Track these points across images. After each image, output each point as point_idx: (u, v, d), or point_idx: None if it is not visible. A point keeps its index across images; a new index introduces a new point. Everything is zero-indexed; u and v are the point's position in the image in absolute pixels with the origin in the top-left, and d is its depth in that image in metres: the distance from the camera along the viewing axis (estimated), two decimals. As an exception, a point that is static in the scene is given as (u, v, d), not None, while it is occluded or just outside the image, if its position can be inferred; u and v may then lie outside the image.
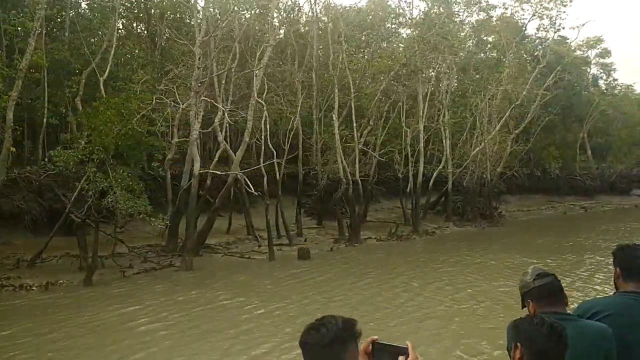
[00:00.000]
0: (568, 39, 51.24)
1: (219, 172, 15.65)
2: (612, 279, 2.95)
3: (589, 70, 49.69)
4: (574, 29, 45.05)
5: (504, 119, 25.87)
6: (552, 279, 2.64)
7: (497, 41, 33.82)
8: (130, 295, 11.69)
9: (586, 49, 49.68)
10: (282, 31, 26.67)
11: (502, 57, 30.44)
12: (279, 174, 19.32)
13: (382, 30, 24.97)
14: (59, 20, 20.25)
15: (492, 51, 38.02)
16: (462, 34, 30.82)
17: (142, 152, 16.15)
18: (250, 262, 16.04)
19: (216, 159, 16.88)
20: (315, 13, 23.52)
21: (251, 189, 14.41)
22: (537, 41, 43.69)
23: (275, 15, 25.80)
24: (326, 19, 26.13)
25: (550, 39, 43.45)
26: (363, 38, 25.39)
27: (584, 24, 37.44)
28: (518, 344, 2.17)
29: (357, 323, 1.84)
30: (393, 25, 28.98)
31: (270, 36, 16.38)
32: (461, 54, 32.79)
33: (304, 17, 27.68)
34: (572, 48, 49.29)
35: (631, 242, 3.01)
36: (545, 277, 2.64)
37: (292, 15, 27.28)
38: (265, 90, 18.85)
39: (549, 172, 41.65)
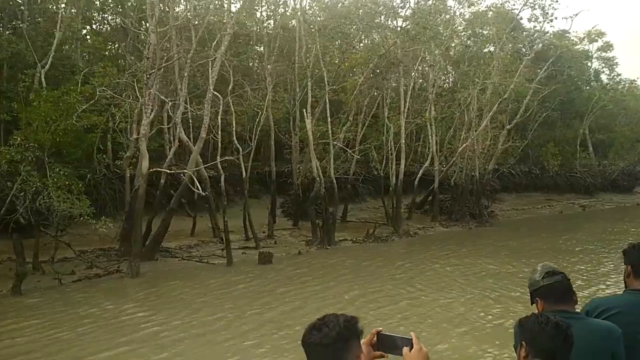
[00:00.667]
0: (569, 32, 49.87)
1: (168, 171, 14.46)
2: (622, 278, 2.99)
3: (590, 64, 48.09)
4: (567, 19, 43.21)
5: (490, 113, 24.45)
6: (561, 278, 2.62)
7: (491, 34, 32.41)
8: (39, 307, 10.58)
9: (587, 43, 48.14)
10: (270, 24, 25.69)
11: (497, 50, 28.99)
12: (245, 172, 18.09)
13: (374, 24, 23.59)
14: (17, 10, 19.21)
15: (487, 45, 36.65)
16: (455, 27, 29.47)
17: (84, 149, 14.98)
18: (206, 267, 14.85)
19: (170, 155, 15.67)
20: (300, 5, 22.29)
21: (199, 189, 13.19)
22: (536, 35, 42.30)
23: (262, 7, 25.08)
24: (311, 12, 24.95)
25: (549, 32, 42.10)
26: (352, 31, 24.07)
27: (577, 14, 35.84)
28: (523, 342, 2.19)
29: (359, 321, 1.82)
30: (384, 19, 27.75)
31: (227, 24, 15.14)
32: (453, 46, 31.54)
33: (290, 9, 26.52)
34: (573, 41, 47.81)
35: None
36: (554, 275, 2.63)
37: (278, 9, 26.18)
38: (231, 83, 17.67)
39: (547, 169, 40.19)
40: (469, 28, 34.04)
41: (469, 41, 32.91)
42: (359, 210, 26.17)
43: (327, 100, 19.42)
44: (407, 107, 21.97)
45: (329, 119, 19.42)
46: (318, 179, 18.63)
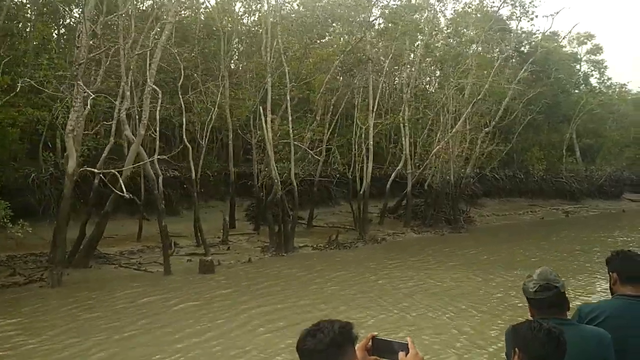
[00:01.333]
0: (558, 35, 48.83)
1: (97, 171, 13.18)
2: (608, 285, 3.02)
3: (579, 67, 47.02)
4: (547, 17, 41.98)
5: (464, 115, 23.24)
6: (553, 294, 2.58)
7: (473, 34, 31.24)
8: None
9: (576, 45, 47.09)
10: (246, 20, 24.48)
11: (476, 48, 27.82)
12: (195, 173, 16.82)
13: (337, 15, 22.40)
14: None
15: (471, 45, 35.49)
16: (436, 25, 28.30)
17: (6, 146, 13.71)
18: (141, 276, 13.56)
19: (105, 154, 14.40)
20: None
21: (123, 191, 11.91)
22: (523, 35, 41.20)
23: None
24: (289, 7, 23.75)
25: (536, 34, 41.02)
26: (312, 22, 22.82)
27: (558, 12, 34.67)
28: (516, 348, 2.20)
29: (354, 327, 1.82)
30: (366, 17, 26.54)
31: (169, 12, 13.90)
32: (438, 46, 30.36)
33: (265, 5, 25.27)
34: (561, 44, 46.73)
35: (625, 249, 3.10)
36: (547, 290, 2.59)
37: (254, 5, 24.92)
38: (182, 77, 16.44)
39: (532, 174, 39.06)
40: (451, 27, 32.97)
41: (451, 40, 31.78)
42: (331, 214, 24.95)
43: (289, 98, 18.19)
44: (375, 106, 20.74)
45: (290, 118, 18.19)
46: (275, 181, 17.40)
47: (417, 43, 25.05)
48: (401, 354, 1.86)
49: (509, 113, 36.41)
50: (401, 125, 23.51)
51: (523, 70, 26.91)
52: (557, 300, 2.59)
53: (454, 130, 22.98)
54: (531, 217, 31.61)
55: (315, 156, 18.55)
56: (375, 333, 1.95)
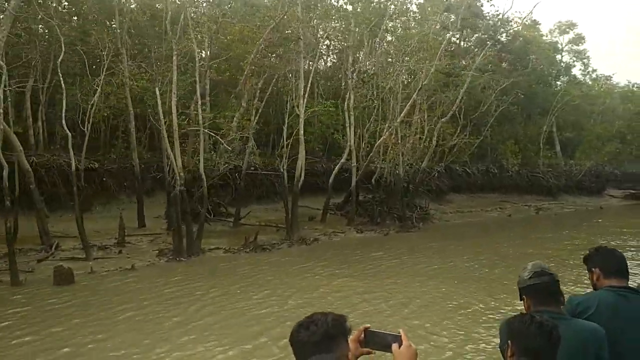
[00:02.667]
0: (540, 23, 46.36)
1: None
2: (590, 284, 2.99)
3: (560, 57, 44.52)
4: None
5: (410, 101, 20.77)
6: (549, 279, 2.57)
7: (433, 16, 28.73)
8: None
9: (558, 35, 44.60)
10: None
11: (426, 30, 25.32)
12: (74, 164, 14.35)
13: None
14: None
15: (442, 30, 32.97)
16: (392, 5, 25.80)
17: None
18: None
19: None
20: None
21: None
22: (500, 23, 38.70)
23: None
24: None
25: (513, 21, 38.56)
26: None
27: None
28: (509, 342, 2.18)
29: (347, 319, 1.82)
30: None
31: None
32: (400, 30, 27.88)
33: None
34: (541, 33, 44.27)
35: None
36: (541, 276, 2.58)
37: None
38: (62, 54, 14.00)
39: (506, 168, 36.63)
40: (420, 11, 30.60)
41: (414, 24, 29.33)
42: (273, 211, 22.56)
43: (198, 80, 15.75)
44: (306, 92, 18.27)
45: (199, 102, 15.77)
46: (178, 174, 14.99)
47: (382, 27, 22.56)
48: (394, 346, 1.84)
49: (482, 104, 34.10)
50: (345, 113, 21.10)
51: (480, 56, 24.30)
52: (552, 287, 2.56)
53: (398, 119, 20.53)
54: (499, 214, 29.22)
55: (227, 146, 16.04)
56: (368, 325, 1.92)
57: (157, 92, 14.56)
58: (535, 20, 46.51)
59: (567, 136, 43.78)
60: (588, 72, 51.03)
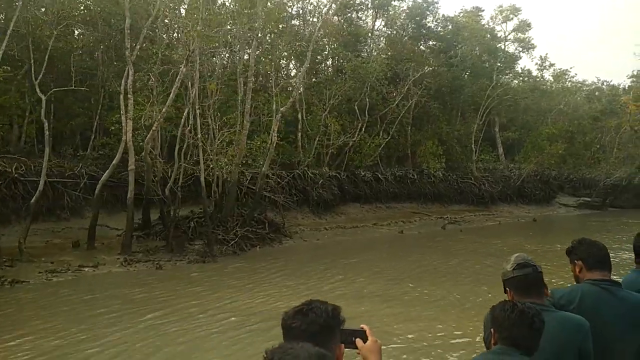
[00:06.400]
0: (483, 10, 40.30)
1: None
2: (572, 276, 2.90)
3: (503, 47, 38.42)
4: None
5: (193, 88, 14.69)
6: (531, 271, 2.50)
7: None
8: None
9: (501, 21, 38.53)
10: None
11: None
12: None
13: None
14: None
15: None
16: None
17: None
18: None
19: None
20: None
21: None
22: (425, 5, 32.70)
23: None
24: None
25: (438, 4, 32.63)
26: None
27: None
28: (491, 330, 2.19)
29: (342, 310, 1.72)
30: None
31: None
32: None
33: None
34: (481, 20, 38.26)
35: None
36: (524, 267, 2.51)
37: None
38: None
39: (429, 174, 30.51)
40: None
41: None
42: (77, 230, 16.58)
43: None
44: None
45: None
46: None
47: None
48: (359, 341, 1.77)
49: (395, 99, 28.14)
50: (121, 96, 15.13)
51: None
52: (535, 279, 2.50)
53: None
54: (389, 230, 23.07)
55: None
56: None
57: None
58: (477, 7, 40.64)
59: (511, 137, 37.69)
60: (544, 66, 45.07)
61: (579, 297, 2.64)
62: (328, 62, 29.79)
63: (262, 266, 14.49)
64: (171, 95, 13.19)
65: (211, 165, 16.26)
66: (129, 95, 14.51)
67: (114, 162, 14.65)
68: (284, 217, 20.24)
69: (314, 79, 26.46)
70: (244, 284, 12.23)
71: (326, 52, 27.10)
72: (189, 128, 15.39)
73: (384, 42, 32.80)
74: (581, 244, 2.88)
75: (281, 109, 17.54)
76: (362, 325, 1.81)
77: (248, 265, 14.75)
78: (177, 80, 13.49)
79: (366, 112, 27.00)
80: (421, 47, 31.52)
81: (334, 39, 26.95)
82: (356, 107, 26.52)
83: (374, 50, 30.20)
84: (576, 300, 2.63)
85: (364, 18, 31.02)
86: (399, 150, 31.21)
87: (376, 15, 30.69)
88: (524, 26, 37.68)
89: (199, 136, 14.96)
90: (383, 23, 32.67)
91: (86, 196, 17.22)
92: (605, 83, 53.61)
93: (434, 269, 14.26)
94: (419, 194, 30.04)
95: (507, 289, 2.54)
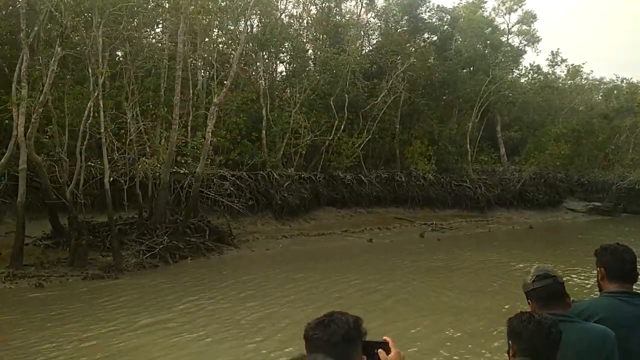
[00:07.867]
0: (485, 1, 37.21)
1: None
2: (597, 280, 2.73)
3: (506, 40, 35.34)
4: None
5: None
6: (552, 282, 2.42)
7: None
8: None
9: (504, 13, 35.46)
10: None
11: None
12: None
13: None
14: None
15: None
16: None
17: None
18: None
19: None
20: None
21: None
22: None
23: None
24: None
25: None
26: None
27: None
28: (509, 341, 2.11)
29: (363, 322, 1.69)
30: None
31: None
32: None
33: None
34: (484, 12, 35.25)
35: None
36: (544, 279, 2.43)
37: None
38: None
39: (419, 176, 27.77)
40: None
41: None
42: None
43: None
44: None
45: None
46: None
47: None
48: (382, 352, 1.71)
49: (380, 95, 25.57)
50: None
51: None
52: (556, 290, 2.42)
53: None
54: (358, 239, 20.46)
55: None
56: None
57: None
58: (480, -2, 37.52)
59: (514, 136, 34.63)
60: (556, 62, 41.67)
61: (601, 311, 2.50)
62: (308, 54, 27.32)
63: (167, 287, 12.07)
64: (47, 80, 10.88)
65: (127, 167, 13.96)
66: (22, 84, 12.30)
67: (2, 160, 12.47)
68: (242, 223, 17.94)
69: (282, 72, 24.03)
70: (106, 315, 9.62)
71: (294, 41, 24.52)
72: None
73: (376, 34, 30.28)
74: (606, 250, 2.70)
75: (214, 100, 15.15)
76: (384, 337, 1.75)
77: (153, 282, 12.37)
78: (52, 62, 11.22)
79: (345, 109, 24.46)
80: (413, 39, 28.76)
81: (309, 25, 24.47)
82: (332, 104, 23.99)
83: (363, 42, 27.65)
84: (598, 314, 2.49)
85: (349, 9, 28.47)
86: (386, 151, 28.55)
87: (361, 5, 28.06)
88: (529, 17, 34.52)
89: (102, 130, 12.65)
90: (372, 14, 29.99)
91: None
92: (625, 81, 49.76)
93: (337, 291, 11.59)
94: (406, 197, 27.29)
95: (529, 300, 2.47)
